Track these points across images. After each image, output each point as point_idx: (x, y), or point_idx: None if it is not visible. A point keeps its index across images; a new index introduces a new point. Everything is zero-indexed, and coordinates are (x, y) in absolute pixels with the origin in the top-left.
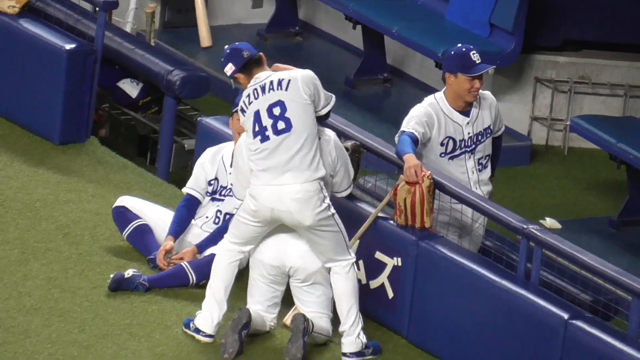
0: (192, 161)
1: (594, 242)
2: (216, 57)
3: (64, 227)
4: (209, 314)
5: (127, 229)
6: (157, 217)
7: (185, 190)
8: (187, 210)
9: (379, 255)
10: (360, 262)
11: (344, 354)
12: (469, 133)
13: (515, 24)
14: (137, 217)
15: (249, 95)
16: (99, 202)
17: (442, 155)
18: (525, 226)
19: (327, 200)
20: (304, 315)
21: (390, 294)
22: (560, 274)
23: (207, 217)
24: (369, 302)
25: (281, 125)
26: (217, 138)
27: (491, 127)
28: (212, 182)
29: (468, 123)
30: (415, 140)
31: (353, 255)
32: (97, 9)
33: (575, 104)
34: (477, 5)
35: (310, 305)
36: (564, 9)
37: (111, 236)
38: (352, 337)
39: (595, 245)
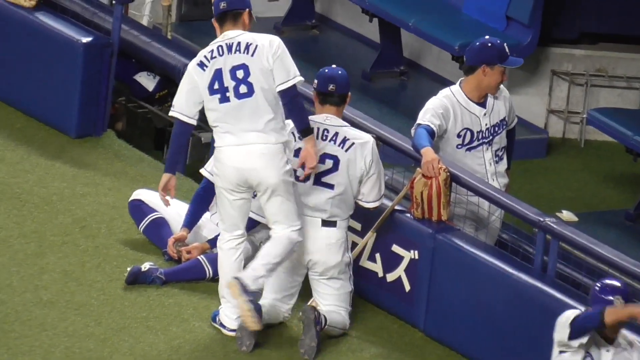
0: (208, 154)
1: (610, 235)
2: None
3: (81, 221)
4: (229, 312)
5: (143, 223)
6: (173, 210)
7: (203, 172)
8: (204, 199)
9: (395, 248)
10: (377, 255)
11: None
12: (486, 124)
13: (531, 16)
14: (153, 210)
15: (212, 51)
16: (116, 196)
17: (459, 146)
18: (541, 219)
19: (290, 166)
20: (312, 307)
21: (407, 287)
22: (577, 267)
23: None
24: (386, 295)
25: (243, 89)
26: None
27: (506, 118)
28: None
29: (485, 114)
30: (431, 133)
31: (299, 224)
32: (113, 2)
33: (591, 97)
34: None
35: (327, 298)
36: (580, 1)
37: (128, 229)
38: (254, 273)
39: (612, 238)
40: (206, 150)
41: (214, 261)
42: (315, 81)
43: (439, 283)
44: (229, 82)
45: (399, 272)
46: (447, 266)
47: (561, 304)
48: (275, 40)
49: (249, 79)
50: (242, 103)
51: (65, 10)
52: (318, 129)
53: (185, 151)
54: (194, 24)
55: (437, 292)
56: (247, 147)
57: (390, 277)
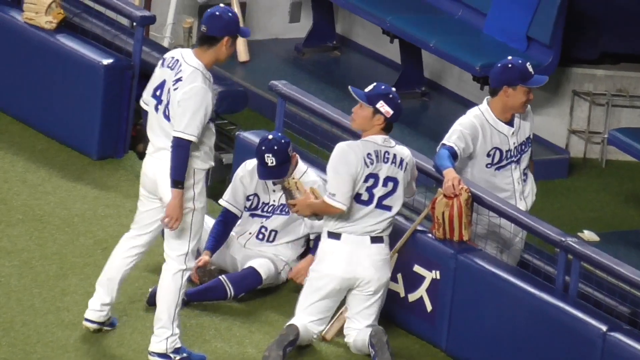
0: (229, 175)
1: (632, 255)
2: (254, 72)
3: (103, 242)
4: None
5: None
6: None
7: (222, 203)
8: (224, 225)
9: (417, 268)
10: (399, 275)
11: (149, 352)
12: (514, 143)
13: (552, 37)
14: None
15: (171, 59)
16: None
17: (489, 166)
18: (563, 239)
19: (192, 195)
20: (382, 329)
21: (429, 307)
22: (599, 287)
23: (250, 233)
24: (408, 315)
25: (166, 112)
26: (255, 152)
27: (530, 136)
28: (250, 197)
29: (513, 133)
30: (454, 155)
31: (187, 266)
32: (134, 24)
33: (612, 117)
34: (514, 19)
35: (370, 318)
36: (601, 21)
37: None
38: (158, 338)
39: (634, 258)
40: (227, 171)
41: (235, 281)
42: (389, 109)
43: (461, 303)
44: (164, 97)
45: (421, 292)
46: (469, 286)
47: (583, 324)
48: (192, 90)
49: (168, 106)
50: (162, 121)
51: (86, 32)
52: (380, 151)
53: None
54: None
55: (459, 312)
56: (155, 160)
57: (412, 297)
